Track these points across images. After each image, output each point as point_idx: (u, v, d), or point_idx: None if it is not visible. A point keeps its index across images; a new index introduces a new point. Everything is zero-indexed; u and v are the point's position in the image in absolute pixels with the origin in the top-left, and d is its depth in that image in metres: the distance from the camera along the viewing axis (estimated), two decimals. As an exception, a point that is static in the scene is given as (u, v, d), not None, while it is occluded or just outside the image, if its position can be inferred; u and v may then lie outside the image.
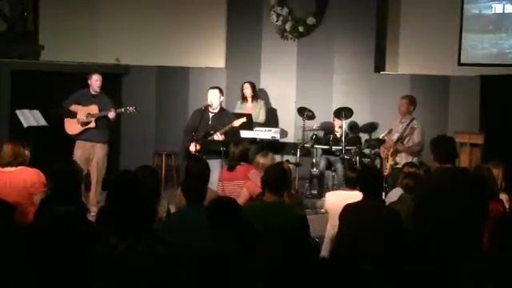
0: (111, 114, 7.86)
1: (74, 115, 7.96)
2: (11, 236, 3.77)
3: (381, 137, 8.56)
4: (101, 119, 7.94)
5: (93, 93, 8.05)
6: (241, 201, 5.86)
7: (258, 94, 9.72)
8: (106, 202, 4.87)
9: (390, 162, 8.19)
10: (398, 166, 8.00)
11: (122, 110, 8.03)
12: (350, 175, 5.92)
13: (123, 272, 3.62)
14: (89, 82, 8.04)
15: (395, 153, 8.18)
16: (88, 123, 7.91)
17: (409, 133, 8.09)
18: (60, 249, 3.64)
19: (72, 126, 8.00)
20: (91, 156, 7.98)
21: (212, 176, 6.89)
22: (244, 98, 9.58)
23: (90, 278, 3.62)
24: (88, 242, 3.74)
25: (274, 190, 4.89)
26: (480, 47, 9.66)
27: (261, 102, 9.60)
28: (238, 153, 6.45)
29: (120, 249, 3.66)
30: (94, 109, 7.92)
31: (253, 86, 9.61)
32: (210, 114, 7.76)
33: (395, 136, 8.28)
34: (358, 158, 8.58)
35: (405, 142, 8.11)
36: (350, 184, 5.85)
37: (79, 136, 7.98)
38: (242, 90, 9.58)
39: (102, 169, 8.01)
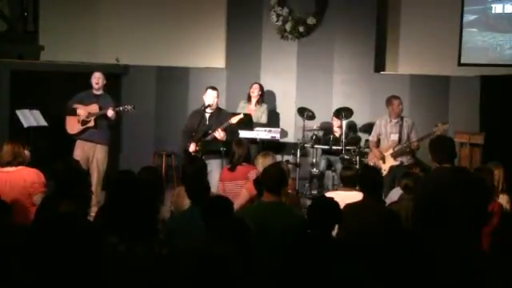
0: (109, 113, 7.83)
1: (74, 114, 7.96)
2: (9, 236, 3.77)
3: (371, 138, 8.54)
4: (101, 119, 7.92)
5: (95, 92, 8.04)
6: (240, 201, 5.86)
7: (263, 98, 9.68)
8: (105, 201, 4.87)
9: (392, 162, 8.16)
10: (404, 165, 8.00)
11: (121, 108, 7.99)
12: (345, 174, 5.90)
13: (123, 272, 3.62)
14: (91, 81, 8.05)
15: (401, 153, 8.13)
16: (87, 122, 7.89)
17: (443, 131, 8.05)
18: (60, 249, 3.63)
19: (72, 126, 7.99)
20: (91, 157, 7.95)
21: (213, 176, 6.93)
22: (249, 99, 9.54)
23: (90, 278, 3.61)
24: (88, 242, 3.73)
25: (272, 190, 4.88)
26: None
27: (264, 106, 9.53)
28: (244, 153, 6.46)
29: (120, 249, 3.66)
30: (94, 108, 7.91)
31: (261, 89, 9.57)
32: (207, 115, 7.76)
33: (392, 137, 8.25)
34: (357, 157, 8.57)
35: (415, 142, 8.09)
36: (346, 183, 5.85)
37: (79, 136, 7.96)
38: (250, 90, 9.54)
39: (102, 169, 7.99)
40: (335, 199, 4.36)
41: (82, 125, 7.92)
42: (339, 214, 4.26)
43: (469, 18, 9.73)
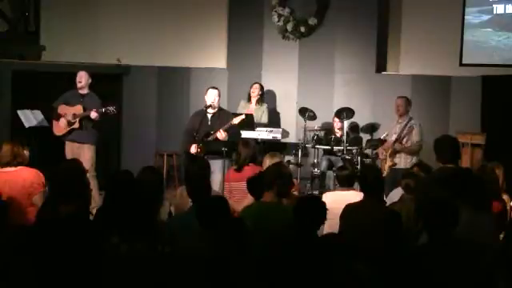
0: (93, 115, 7.79)
1: (60, 116, 7.94)
2: (7, 236, 3.76)
3: (382, 137, 8.57)
4: (86, 120, 7.90)
5: (80, 92, 8.02)
6: (247, 202, 5.85)
7: (264, 98, 9.68)
8: (104, 201, 4.86)
9: (389, 162, 8.18)
10: (397, 167, 8.01)
11: (103, 110, 7.92)
12: (340, 174, 5.90)
13: (125, 272, 3.61)
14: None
15: (393, 153, 8.17)
16: (73, 123, 7.88)
17: (407, 132, 8.10)
18: (62, 250, 3.63)
19: (59, 127, 7.98)
20: (80, 157, 7.88)
21: (214, 177, 6.90)
22: (249, 99, 9.55)
23: (92, 278, 3.61)
24: (89, 243, 3.73)
25: (280, 193, 4.91)
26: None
27: (264, 106, 9.54)
28: (251, 153, 6.44)
29: (122, 249, 3.65)
30: (78, 109, 7.91)
31: (261, 88, 9.57)
32: (209, 115, 7.76)
33: (393, 137, 8.28)
34: (359, 158, 8.57)
35: (403, 141, 8.11)
36: (342, 183, 5.85)
37: (66, 137, 7.96)
38: (250, 89, 9.53)
39: (91, 170, 7.88)
40: (333, 199, 4.38)
41: (68, 126, 7.91)
42: (324, 213, 4.27)
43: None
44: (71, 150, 7.92)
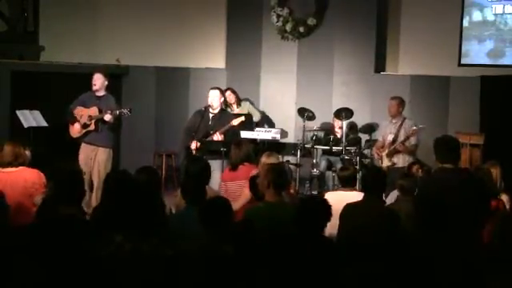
0: (107, 117, 7.70)
1: (75, 120, 7.90)
2: (7, 236, 3.76)
3: (380, 139, 8.59)
4: (101, 122, 7.85)
5: (97, 94, 7.95)
6: (242, 201, 5.85)
7: (240, 98, 9.64)
8: (102, 201, 4.86)
9: (387, 162, 8.20)
10: (396, 166, 8.03)
11: (117, 112, 7.86)
12: (342, 175, 5.92)
13: (128, 271, 3.62)
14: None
15: (392, 154, 8.18)
16: (88, 125, 7.83)
17: (410, 134, 8.11)
18: (62, 250, 3.63)
19: (75, 129, 7.94)
20: (93, 159, 7.85)
21: (213, 177, 6.90)
22: (229, 105, 9.51)
23: (93, 278, 3.61)
24: (90, 243, 3.73)
25: (278, 187, 4.92)
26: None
27: (246, 104, 9.58)
28: (242, 154, 6.43)
29: (126, 249, 3.65)
30: (94, 111, 7.82)
31: (234, 92, 9.56)
32: (210, 115, 7.76)
33: (389, 137, 8.30)
34: (358, 158, 8.57)
35: (406, 143, 8.14)
36: (344, 184, 5.86)
37: (82, 138, 7.90)
38: (225, 98, 9.47)
39: (103, 174, 7.79)
40: (335, 199, 4.38)
41: (83, 128, 7.86)
42: (329, 213, 4.28)
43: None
44: (85, 152, 7.83)
